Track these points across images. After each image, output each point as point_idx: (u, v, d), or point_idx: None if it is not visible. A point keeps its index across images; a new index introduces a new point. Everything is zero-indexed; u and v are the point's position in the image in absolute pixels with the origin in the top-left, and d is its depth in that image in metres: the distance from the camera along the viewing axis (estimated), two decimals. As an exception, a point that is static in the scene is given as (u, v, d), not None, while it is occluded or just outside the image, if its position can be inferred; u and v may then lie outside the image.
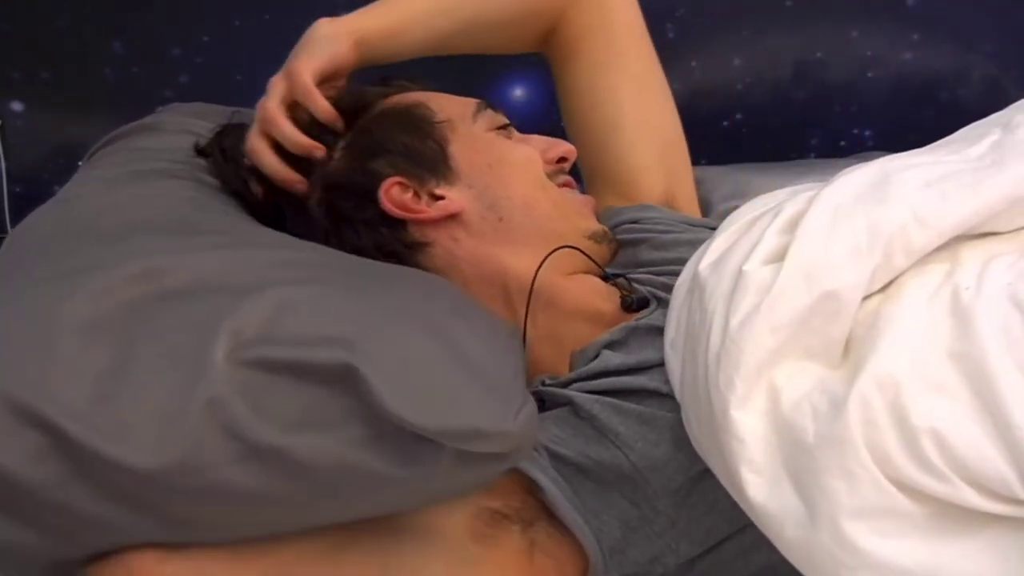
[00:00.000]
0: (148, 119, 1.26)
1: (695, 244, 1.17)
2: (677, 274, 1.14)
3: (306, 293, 0.82)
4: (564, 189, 1.18)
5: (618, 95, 1.31)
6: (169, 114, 1.28)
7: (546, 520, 0.90)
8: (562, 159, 1.19)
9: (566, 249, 1.07)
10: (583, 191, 1.29)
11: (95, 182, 1.05)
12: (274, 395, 0.74)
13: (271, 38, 1.81)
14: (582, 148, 1.30)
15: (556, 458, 0.92)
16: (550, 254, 1.06)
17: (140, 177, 1.05)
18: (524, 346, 1.00)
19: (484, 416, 0.74)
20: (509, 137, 1.17)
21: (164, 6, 1.77)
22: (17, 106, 1.81)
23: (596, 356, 1.01)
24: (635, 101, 1.31)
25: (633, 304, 1.06)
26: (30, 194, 1.72)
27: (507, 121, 1.17)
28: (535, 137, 1.19)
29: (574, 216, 1.15)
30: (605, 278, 1.12)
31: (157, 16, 1.78)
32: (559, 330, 1.08)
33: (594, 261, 1.12)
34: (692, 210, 1.34)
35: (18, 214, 1.80)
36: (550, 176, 1.16)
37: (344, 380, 0.73)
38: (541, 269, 1.05)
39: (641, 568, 0.91)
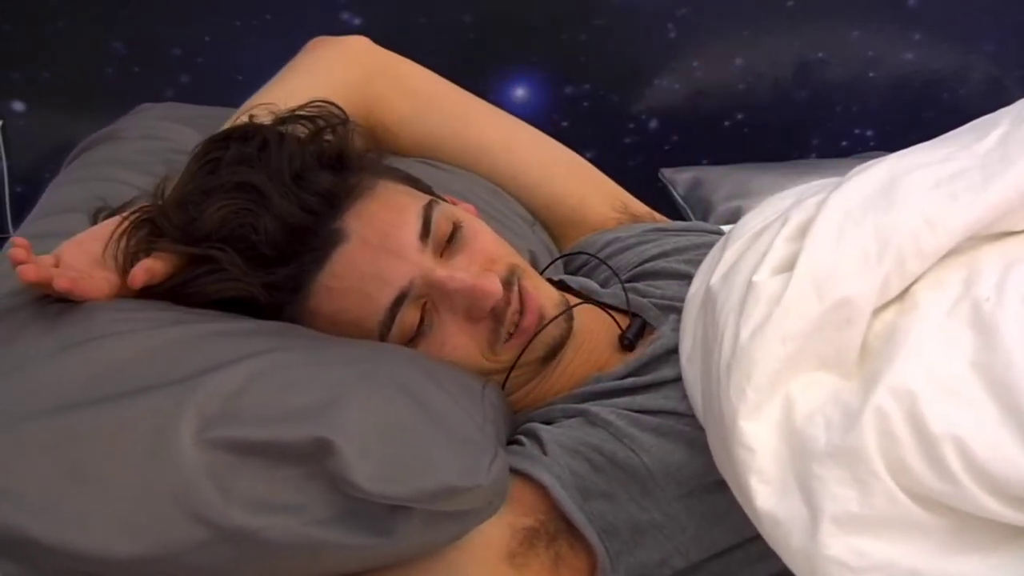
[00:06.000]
0: (114, 126, 1.27)
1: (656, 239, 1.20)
2: (658, 273, 1.15)
3: (271, 363, 0.80)
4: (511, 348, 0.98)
5: (479, 144, 1.30)
6: (135, 119, 1.28)
7: (567, 532, 0.89)
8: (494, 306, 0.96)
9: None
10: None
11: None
12: (243, 477, 0.72)
13: (271, 38, 1.82)
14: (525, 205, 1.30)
15: (568, 456, 0.92)
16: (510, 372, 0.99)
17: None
18: (503, 393, 0.98)
19: (457, 473, 0.73)
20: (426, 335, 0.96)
21: (165, 6, 1.78)
22: (18, 106, 1.81)
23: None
24: (501, 143, 1.31)
25: (632, 344, 1.05)
26: (31, 194, 1.72)
27: (417, 322, 0.94)
28: (455, 295, 0.94)
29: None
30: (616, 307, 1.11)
31: (158, 16, 1.78)
32: (572, 370, 1.06)
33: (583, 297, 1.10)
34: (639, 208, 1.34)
35: (19, 214, 1.80)
36: (492, 345, 0.96)
37: (314, 456, 0.73)
38: None
39: (648, 570, 0.90)
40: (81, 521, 0.71)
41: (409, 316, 0.93)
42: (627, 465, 0.91)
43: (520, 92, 1.98)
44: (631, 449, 0.91)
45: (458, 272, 0.93)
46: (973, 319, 0.73)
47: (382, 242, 0.92)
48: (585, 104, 2.00)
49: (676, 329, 0.99)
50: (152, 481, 0.72)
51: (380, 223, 0.93)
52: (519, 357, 0.97)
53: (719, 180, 1.89)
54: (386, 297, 0.92)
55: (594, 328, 1.06)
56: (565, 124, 2.00)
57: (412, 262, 0.92)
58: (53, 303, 0.85)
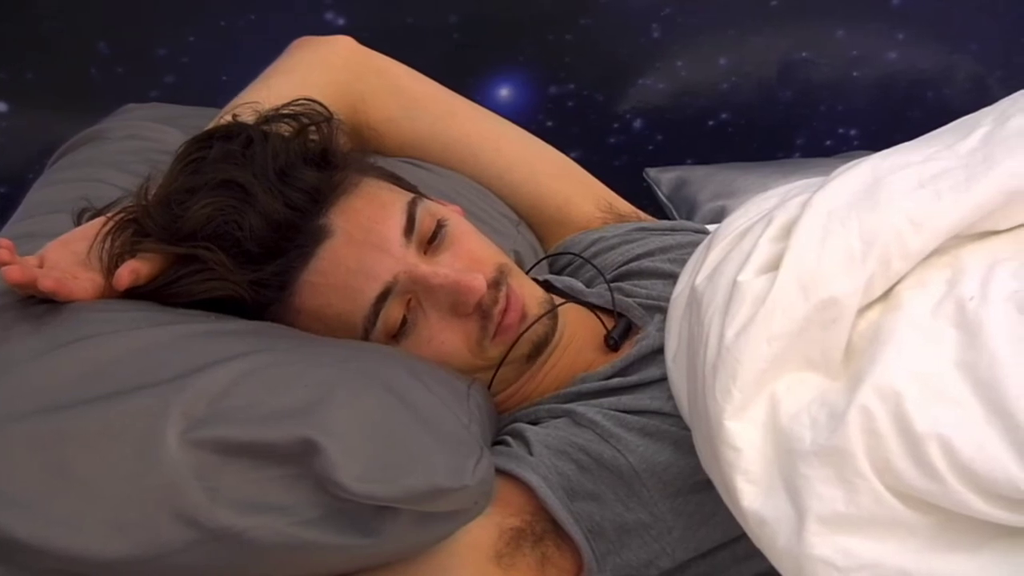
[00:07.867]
0: (98, 126, 1.27)
1: (641, 238, 1.21)
2: (643, 272, 1.15)
3: (256, 363, 0.80)
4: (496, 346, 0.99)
5: (466, 144, 1.29)
6: (119, 119, 1.28)
7: (553, 532, 0.89)
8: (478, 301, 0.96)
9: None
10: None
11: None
12: (229, 477, 0.73)
13: (256, 38, 1.82)
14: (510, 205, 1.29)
15: (554, 456, 0.92)
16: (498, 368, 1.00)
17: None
18: (489, 392, 0.98)
19: (443, 473, 0.74)
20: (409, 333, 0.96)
21: (149, 6, 1.77)
22: (2, 106, 1.80)
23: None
24: (487, 142, 1.30)
25: (617, 344, 1.05)
26: (15, 194, 1.71)
27: (401, 318, 0.95)
28: (439, 290, 0.94)
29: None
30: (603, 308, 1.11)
31: (142, 16, 1.77)
32: (557, 370, 1.06)
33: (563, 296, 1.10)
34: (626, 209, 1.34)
35: (2, 215, 1.79)
36: (480, 341, 0.97)
37: (300, 456, 0.73)
38: None
39: (635, 570, 0.90)
40: (67, 522, 0.71)
41: (393, 312, 0.93)
42: (613, 465, 0.91)
43: (505, 92, 1.97)
44: (617, 449, 0.92)
45: (442, 268, 0.93)
46: (957, 319, 0.73)
47: (366, 237, 0.92)
48: (570, 104, 2.00)
49: (662, 329, 0.99)
50: (138, 482, 0.72)
51: (364, 219, 0.93)
52: (507, 354, 0.97)
53: (704, 180, 1.89)
54: (371, 291, 0.92)
55: (579, 328, 1.06)
56: (550, 124, 2.00)
57: (396, 257, 0.93)
58: (38, 304, 0.85)
